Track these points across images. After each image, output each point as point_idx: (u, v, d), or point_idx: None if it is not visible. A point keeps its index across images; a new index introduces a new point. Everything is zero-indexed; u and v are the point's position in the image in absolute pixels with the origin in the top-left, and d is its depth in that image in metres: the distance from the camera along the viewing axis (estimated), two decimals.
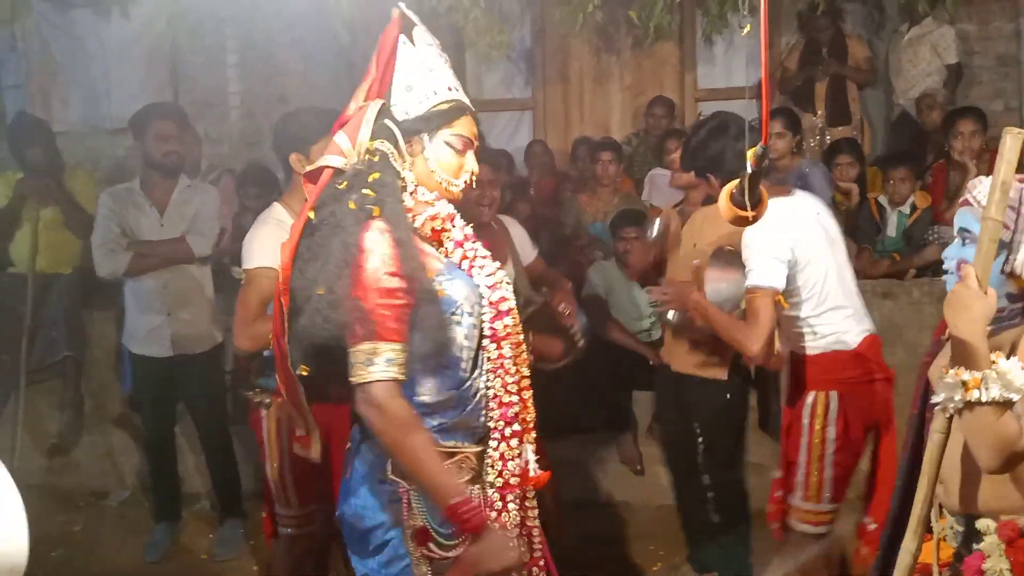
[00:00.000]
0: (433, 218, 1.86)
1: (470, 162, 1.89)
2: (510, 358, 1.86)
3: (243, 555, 3.99)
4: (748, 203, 2.03)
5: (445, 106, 1.83)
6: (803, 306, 2.76)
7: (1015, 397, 1.58)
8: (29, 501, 1.00)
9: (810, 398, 2.77)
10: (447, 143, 1.85)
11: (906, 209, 4.74)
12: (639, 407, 4.40)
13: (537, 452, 1.96)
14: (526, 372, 1.93)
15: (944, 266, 1.87)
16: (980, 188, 1.80)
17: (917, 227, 4.66)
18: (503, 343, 1.85)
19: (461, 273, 1.86)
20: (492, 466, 1.86)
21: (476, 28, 4.35)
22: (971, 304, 1.63)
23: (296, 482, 2.83)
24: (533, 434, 1.95)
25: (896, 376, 2.85)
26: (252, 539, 4.03)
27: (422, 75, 1.83)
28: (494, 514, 1.84)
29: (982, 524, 1.78)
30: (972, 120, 4.69)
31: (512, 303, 1.88)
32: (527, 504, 1.95)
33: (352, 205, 1.74)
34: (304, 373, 1.82)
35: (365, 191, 1.75)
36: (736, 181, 2.02)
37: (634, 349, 4.30)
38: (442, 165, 1.86)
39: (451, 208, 1.89)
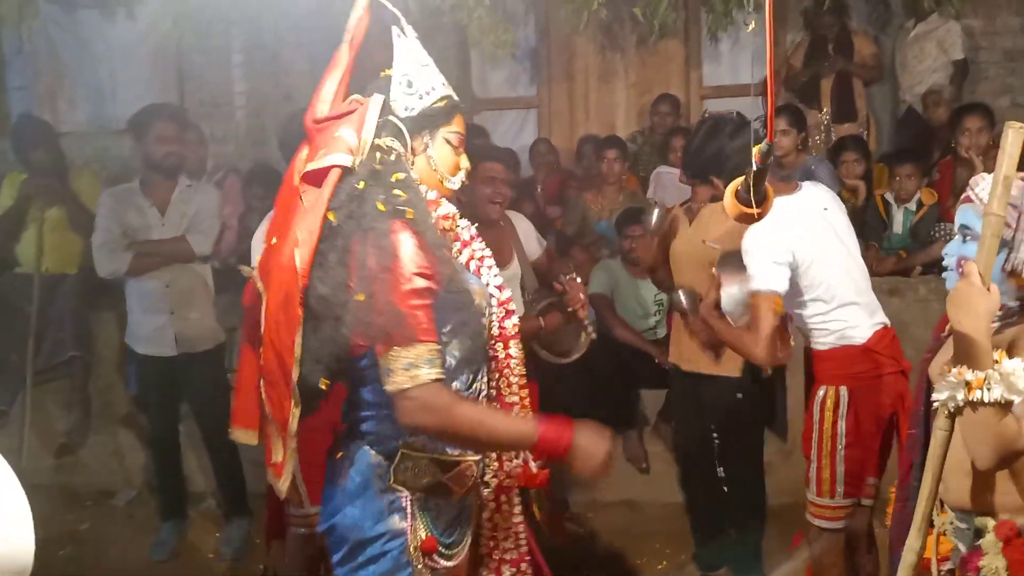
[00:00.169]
0: (444, 217, 1.83)
1: (465, 159, 1.88)
2: (516, 358, 1.86)
3: (249, 554, 4.00)
4: (753, 200, 2.02)
5: (443, 103, 1.81)
6: (811, 305, 2.75)
7: (1017, 399, 1.57)
8: (36, 500, 0.99)
9: (820, 393, 2.78)
10: (447, 140, 1.83)
11: (912, 206, 4.71)
12: (644, 405, 4.39)
13: None
14: (523, 371, 1.92)
15: (944, 263, 1.86)
16: (982, 185, 1.79)
17: (923, 224, 4.64)
18: (510, 343, 1.85)
19: (470, 273, 1.85)
20: (489, 467, 1.85)
21: (480, 27, 4.34)
22: (975, 300, 1.62)
23: (307, 481, 2.80)
24: None
25: None
26: (258, 538, 4.02)
27: (418, 70, 1.79)
28: (488, 514, 1.83)
29: (981, 521, 1.78)
30: (979, 116, 4.66)
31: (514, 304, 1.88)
32: (513, 501, 1.94)
33: (381, 207, 1.67)
34: (324, 387, 1.72)
35: (396, 192, 1.69)
36: (741, 178, 2.02)
37: (639, 347, 4.30)
38: (442, 163, 1.83)
39: (454, 207, 1.88)
